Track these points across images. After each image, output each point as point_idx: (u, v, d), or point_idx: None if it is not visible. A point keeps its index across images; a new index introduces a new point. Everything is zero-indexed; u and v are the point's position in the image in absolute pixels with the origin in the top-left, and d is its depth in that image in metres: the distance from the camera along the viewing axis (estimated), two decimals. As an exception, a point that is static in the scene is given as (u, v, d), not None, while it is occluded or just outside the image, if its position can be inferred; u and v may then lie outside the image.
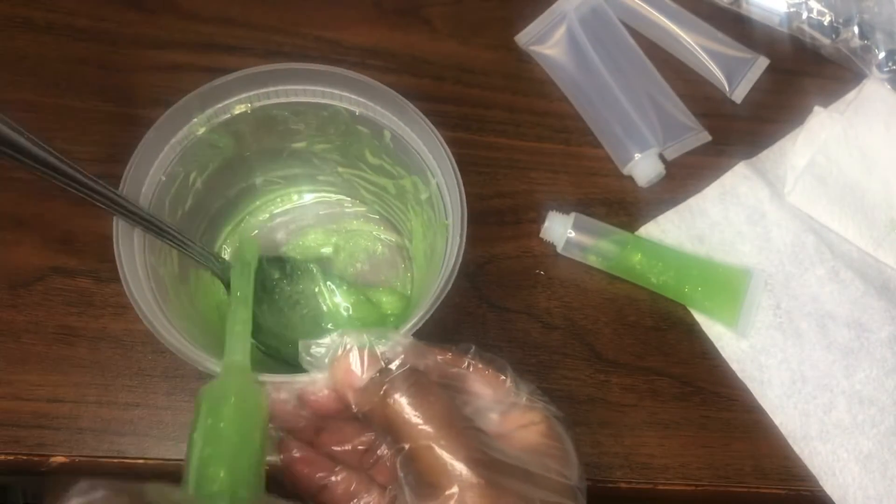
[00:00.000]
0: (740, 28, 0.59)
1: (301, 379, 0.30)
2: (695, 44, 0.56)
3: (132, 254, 0.34)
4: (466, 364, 0.30)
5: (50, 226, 0.45)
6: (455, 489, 0.25)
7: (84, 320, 0.43)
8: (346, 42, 0.53)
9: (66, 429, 0.41)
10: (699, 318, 0.49)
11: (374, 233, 0.47)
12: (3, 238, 0.44)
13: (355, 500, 0.29)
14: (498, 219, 0.50)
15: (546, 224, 0.48)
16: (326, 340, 0.29)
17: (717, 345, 0.48)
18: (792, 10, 0.57)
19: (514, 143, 0.52)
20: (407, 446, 0.26)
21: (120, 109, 0.49)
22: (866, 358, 0.48)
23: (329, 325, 0.43)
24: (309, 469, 0.30)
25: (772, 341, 0.48)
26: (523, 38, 0.56)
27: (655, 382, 0.47)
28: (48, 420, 0.41)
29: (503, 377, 0.30)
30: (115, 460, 0.40)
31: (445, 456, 0.26)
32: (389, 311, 0.44)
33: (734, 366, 0.48)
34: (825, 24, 0.57)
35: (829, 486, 0.45)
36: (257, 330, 0.41)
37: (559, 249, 0.49)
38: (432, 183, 0.38)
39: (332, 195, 0.47)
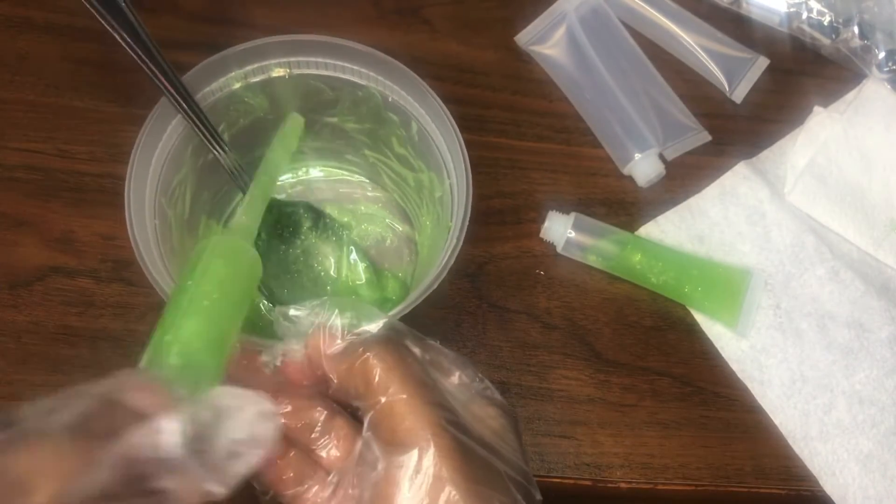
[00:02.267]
0: (740, 28, 0.59)
1: (280, 345, 0.29)
2: (695, 44, 0.56)
3: (144, 186, 0.35)
4: (436, 351, 0.30)
5: (50, 226, 0.45)
6: (426, 444, 0.25)
7: (84, 320, 0.43)
8: (347, 42, 0.54)
9: (67, 429, 0.41)
10: (699, 318, 0.49)
11: (388, 220, 0.47)
12: (3, 238, 0.44)
13: (303, 486, 0.28)
14: (498, 219, 0.50)
15: (546, 224, 0.48)
16: (306, 307, 0.29)
17: (717, 345, 0.48)
18: (792, 10, 0.58)
19: (514, 143, 0.52)
20: (383, 399, 0.26)
21: (120, 109, 0.49)
22: (866, 358, 0.48)
23: (329, 291, 0.43)
24: None
25: (772, 341, 0.48)
26: (523, 38, 0.56)
27: (655, 382, 0.47)
28: (48, 420, 0.41)
29: (467, 369, 0.30)
30: (116, 460, 0.40)
31: (420, 411, 0.26)
32: (391, 297, 0.45)
33: (734, 366, 0.48)
34: (825, 24, 0.57)
35: (829, 486, 0.45)
36: (264, 261, 0.42)
37: (559, 249, 0.49)
38: (446, 183, 0.39)
39: (356, 176, 0.48)
